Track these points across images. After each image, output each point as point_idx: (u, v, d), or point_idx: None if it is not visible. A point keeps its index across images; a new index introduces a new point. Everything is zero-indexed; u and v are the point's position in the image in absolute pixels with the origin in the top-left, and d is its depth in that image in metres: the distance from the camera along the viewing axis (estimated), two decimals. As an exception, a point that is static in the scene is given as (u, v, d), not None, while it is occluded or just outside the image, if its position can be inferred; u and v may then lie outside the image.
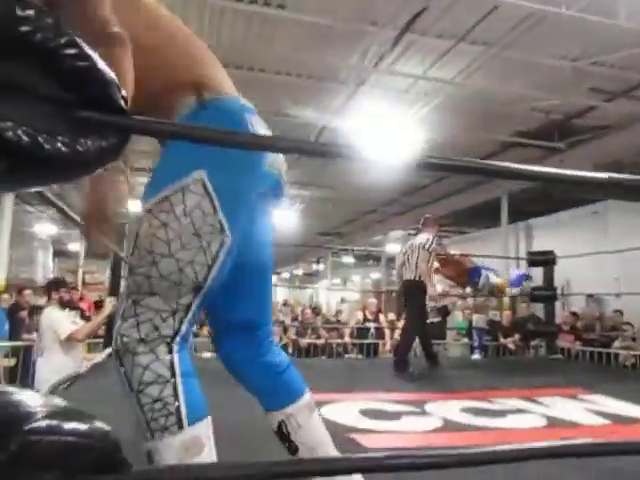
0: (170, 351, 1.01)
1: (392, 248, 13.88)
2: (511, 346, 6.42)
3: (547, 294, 5.19)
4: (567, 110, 6.40)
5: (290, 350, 6.40)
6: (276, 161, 1.16)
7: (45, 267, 12.17)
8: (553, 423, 2.69)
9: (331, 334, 6.88)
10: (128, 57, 0.89)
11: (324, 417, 2.60)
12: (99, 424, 0.56)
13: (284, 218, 11.80)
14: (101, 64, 0.59)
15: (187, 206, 1.00)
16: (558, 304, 8.07)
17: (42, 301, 5.38)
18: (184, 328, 1.04)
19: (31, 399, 0.54)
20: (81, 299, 8.09)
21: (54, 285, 4.19)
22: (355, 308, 9.90)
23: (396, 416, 2.70)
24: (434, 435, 2.41)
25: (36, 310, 5.48)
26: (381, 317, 6.74)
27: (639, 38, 4.86)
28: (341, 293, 20.47)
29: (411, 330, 4.26)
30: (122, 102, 0.61)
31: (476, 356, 5.63)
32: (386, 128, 6.10)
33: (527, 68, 5.46)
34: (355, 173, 8.86)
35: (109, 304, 4.15)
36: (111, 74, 0.60)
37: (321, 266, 21.51)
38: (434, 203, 10.69)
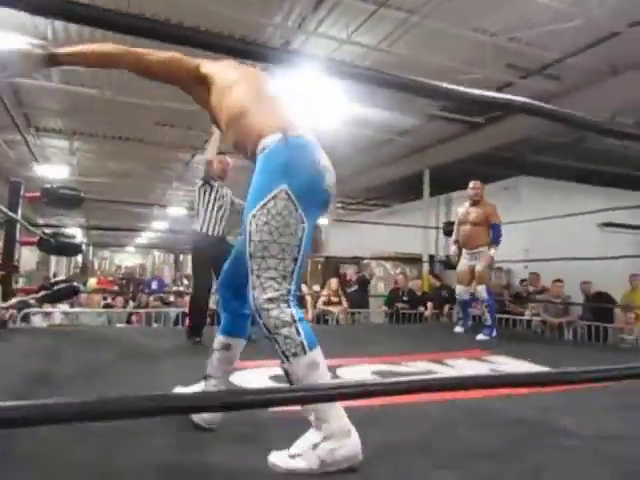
0: (289, 306, 1.50)
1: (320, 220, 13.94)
2: (427, 313, 6.66)
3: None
4: (487, 85, 6.54)
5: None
6: (332, 183, 1.63)
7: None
8: (458, 382, 2.78)
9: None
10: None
11: (234, 385, 2.53)
12: None
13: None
14: None
15: (278, 207, 1.49)
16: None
17: None
18: (293, 287, 1.52)
19: None
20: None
21: None
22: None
23: (306, 380, 2.66)
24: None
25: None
26: (303, 286, 6.72)
27: (556, 15, 5.02)
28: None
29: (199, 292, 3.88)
30: None
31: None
32: (311, 95, 5.96)
33: (450, 40, 5.51)
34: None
35: None
36: None
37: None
38: (359, 175, 10.76)
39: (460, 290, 5.15)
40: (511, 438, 1.76)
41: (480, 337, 4.70)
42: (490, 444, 1.70)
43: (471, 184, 5.23)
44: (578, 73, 5.99)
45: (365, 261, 8.69)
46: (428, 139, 8.63)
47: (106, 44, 1.70)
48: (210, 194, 3.84)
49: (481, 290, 4.87)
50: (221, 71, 1.71)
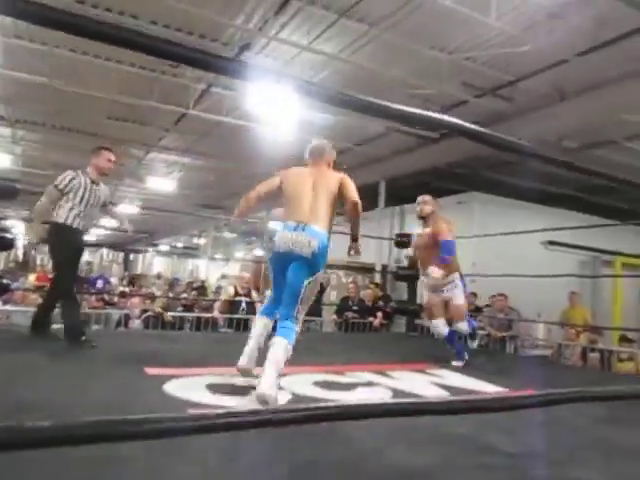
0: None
1: (274, 224, 13.81)
2: (376, 323, 6.68)
3: (410, 273, 5.45)
4: (441, 102, 6.69)
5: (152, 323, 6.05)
6: (283, 246, 2.74)
7: None
8: (397, 395, 2.78)
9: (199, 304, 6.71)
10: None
11: (167, 393, 2.43)
12: None
13: (160, 185, 11.17)
14: None
15: None
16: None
17: None
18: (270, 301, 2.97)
19: None
20: None
21: None
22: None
23: (244, 391, 2.59)
24: (279, 409, 2.34)
25: None
26: (253, 293, 6.62)
27: (510, 39, 5.18)
28: (222, 268, 20.07)
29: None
30: None
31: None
32: (268, 99, 5.90)
33: (408, 55, 5.59)
34: (236, 143, 8.57)
35: None
36: None
37: (202, 240, 20.86)
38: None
39: (437, 324, 4.16)
40: (440, 457, 1.76)
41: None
42: (418, 463, 1.68)
43: (418, 199, 4.34)
44: (529, 96, 6.21)
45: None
46: (385, 150, 8.73)
47: (255, 195, 3.02)
48: (78, 189, 3.68)
49: (462, 326, 4.10)
50: (286, 187, 2.96)
